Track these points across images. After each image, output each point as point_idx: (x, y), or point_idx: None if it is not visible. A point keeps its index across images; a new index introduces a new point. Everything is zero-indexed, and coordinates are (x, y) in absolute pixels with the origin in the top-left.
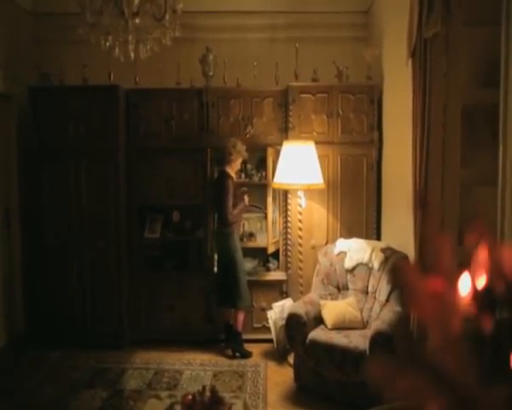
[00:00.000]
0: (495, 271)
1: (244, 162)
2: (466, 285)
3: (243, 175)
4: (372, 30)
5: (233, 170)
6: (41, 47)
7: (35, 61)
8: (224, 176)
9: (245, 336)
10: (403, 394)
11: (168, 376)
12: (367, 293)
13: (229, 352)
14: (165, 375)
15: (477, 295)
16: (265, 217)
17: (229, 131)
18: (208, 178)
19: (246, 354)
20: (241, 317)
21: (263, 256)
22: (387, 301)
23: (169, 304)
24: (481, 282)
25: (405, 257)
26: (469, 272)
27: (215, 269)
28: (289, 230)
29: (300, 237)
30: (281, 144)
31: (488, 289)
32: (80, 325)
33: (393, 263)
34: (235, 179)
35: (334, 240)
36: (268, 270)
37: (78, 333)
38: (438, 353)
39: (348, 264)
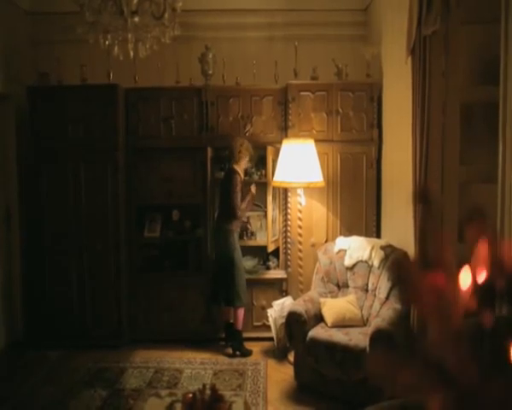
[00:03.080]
0: (495, 266)
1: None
2: (466, 280)
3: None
4: (371, 28)
5: (240, 168)
6: (39, 47)
7: (33, 61)
8: (233, 172)
9: (245, 335)
10: (404, 389)
11: (168, 375)
12: (367, 291)
13: (230, 350)
14: (165, 374)
15: (477, 289)
16: (265, 215)
17: (228, 129)
18: (208, 177)
19: (246, 353)
20: (240, 315)
21: (263, 255)
22: (387, 298)
23: (168, 303)
24: (481, 277)
25: (405, 254)
26: (470, 267)
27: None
28: (289, 228)
29: (300, 236)
30: (280, 143)
31: (488, 283)
32: (80, 325)
33: (394, 259)
34: (242, 177)
35: (333, 238)
36: (268, 268)
37: (78, 333)
38: (438, 347)
39: (348, 262)
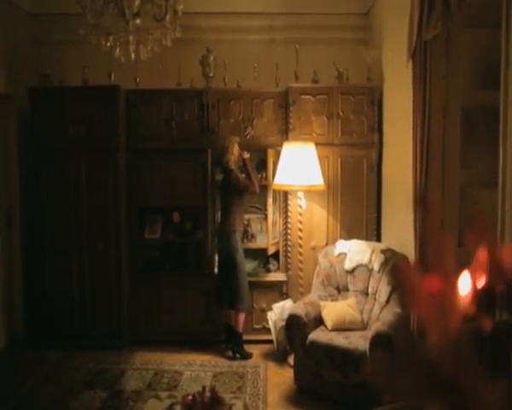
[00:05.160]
0: (495, 271)
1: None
2: (466, 285)
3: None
4: (372, 31)
5: (234, 163)
6: (41, 48)
7: (35, 61)
8: (229, 171)
9: (245, 337)
10: (402, 393)
11: (168, 376)
12: (367, 294)
13: (230, 353)
14: (164, 376)
15: (477, 295)
16: (265, 218)
17: (229, 132)
18: (209, 178)
19: (246, 355)
20: (241, 318)
21: (263, 257)
22: (387, 302)
23: (168, 305)
24: (481, 282)
25: (405, 258)
26: (469, 272)
27: (215, 270)
28: (289, 231)
29: (300, 239)
30: (281, 145)
31: (488, 289)
32: (80, 325)
33: (394, 263)
34: (236, 169)
35: (334, 241)
36: (268, 271)
37: (78, 334)
38: (437, 352)
39: (348, 265)
